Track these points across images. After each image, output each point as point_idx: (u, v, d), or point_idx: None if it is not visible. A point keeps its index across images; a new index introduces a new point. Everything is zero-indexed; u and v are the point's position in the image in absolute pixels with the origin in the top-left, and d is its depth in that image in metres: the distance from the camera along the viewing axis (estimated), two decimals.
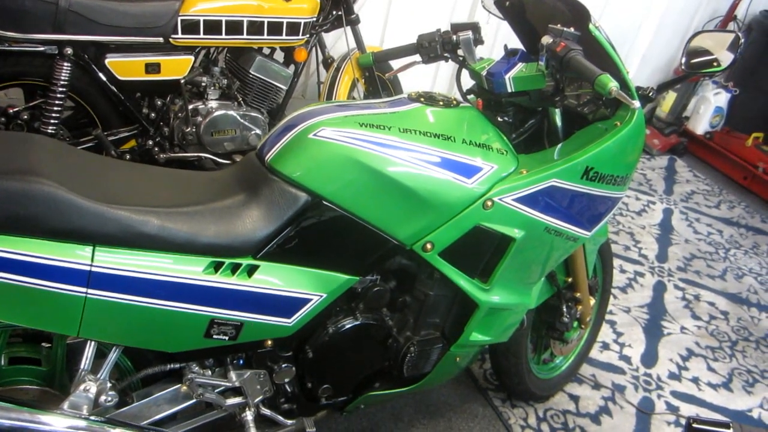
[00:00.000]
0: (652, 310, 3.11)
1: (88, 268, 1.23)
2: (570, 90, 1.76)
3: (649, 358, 2.76)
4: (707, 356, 2.86)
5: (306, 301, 1.47)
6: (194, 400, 1.52)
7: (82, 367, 1.36)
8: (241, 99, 2.95)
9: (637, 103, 1.56)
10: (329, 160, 1.44)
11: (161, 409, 1.51)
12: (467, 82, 1.87)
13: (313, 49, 3.25)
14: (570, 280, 2.10)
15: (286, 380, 1.59)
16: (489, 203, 1.56)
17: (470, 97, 1.91)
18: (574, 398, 2.44)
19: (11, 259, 1.17)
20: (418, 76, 4.08)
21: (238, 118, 2.88)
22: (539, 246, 1.70)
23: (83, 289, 1.24)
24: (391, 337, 1.68)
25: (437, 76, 4.26)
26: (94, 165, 1.40)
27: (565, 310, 2.07)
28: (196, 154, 2.85)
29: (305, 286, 1.46)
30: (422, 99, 1.65)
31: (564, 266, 2.09)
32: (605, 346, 2.77)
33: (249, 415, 1.56)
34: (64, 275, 1.22)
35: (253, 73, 2.91)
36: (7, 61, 2.47)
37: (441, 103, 1.65)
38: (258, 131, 2.94)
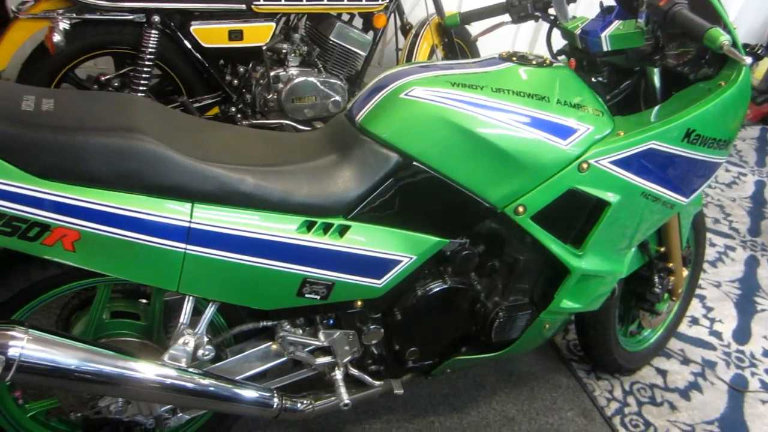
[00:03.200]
0: (744, 285, 2.97)
1: (187, 224, 1.26)
2: (670, 48, 1.67)
3: (742, 334, 2.64)
4: None
5: (396, 262, 1.46)
6: (285, 358, 1.55)
7: (181, 321, 1.39)
8: (321, 66, 2.95)
9: (748, 60, 1.47)
10: (421, 120, 1.41)
11: (253, 366, 1.55)
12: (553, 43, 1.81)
13: (392, 15, 3.21)
14: (663, 249, 2.01)
15: (374, 342, 1.60)
16: (584, 166, 1.51)
17: (561, 57, 1.85)
18: (662, 372, 2.36)
19: (116, 214, 1.20)
20: (495, 43, 3.98)
21: (318, 84, 2.89)
22: (635, 211, 1.63)
23: (183, 245, 1.27)
24: (479, 302, 1.66)
25: (516, 41, 4.15)
26: (189, 125, 1.42)
27: (657, 280, 1.99)
28: (277, 121, 2.89)
29: (395, 247, 1.45)
30: (514, 58, 1.60)
31: (656, 235, 2.01)
32: (694, 321, 2.66)
33: (338, 375, 1.57)
34: (165, 231, 1.25)
35: (332, 39, 2.91)
36: (99, 29, 2.55)
37: (534, 62, 1.59)
38: (337, 98, 2.95)
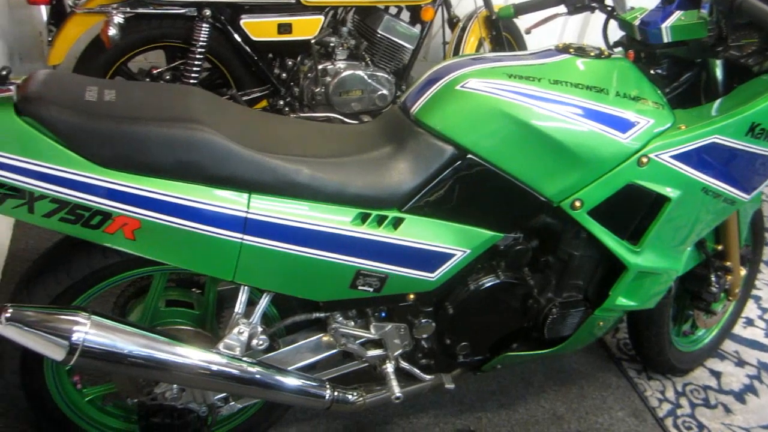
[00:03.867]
0: None
1: (244, 214, 1.27)
2: (734, 39, 1.62)
3: None
4: None
5: (449, 256, 1.45)
6: (336, 350, 1.55)
7: (236, 311, 1.41)
8: (368, 59, 2.95)
9: None
10: (477, 112, 1.40)
11: (304, 357, 1.55)
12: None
13: (440, 8, 3.19)
14: (720, 247, 1.96)
15: (425, 336, 1.59)
16: (644, 160, 1.47)
17: (617, 49, 1.81)
18: (716, 374, 2.30)
19: (175, 204, 1.22)
20: (543, 36, 3.93)
21: (366, 78, 2.89)
22: (695, 208, 1.59)
23: (239, 235, 1.27)
24: (532, 298, 1.64)
25: (564, 34, 4.09)
26: (245, 116, 1.43)
27: (714, 279, 1.94)
28: (324, 114, 2.90)
29: (449, 240, 1.44)
30: (571, 50, 1.57)
31: (713, 233, 1.95)
32: (749, 322, 2.59)
33: (390, 368, 1.57)
34: (222, 221, 1.26)
35: (380, 32, 2.91)
36: (152, 23, 2.59)
37: (592, 54, 1.56)
38: (384, 91, 2.94)
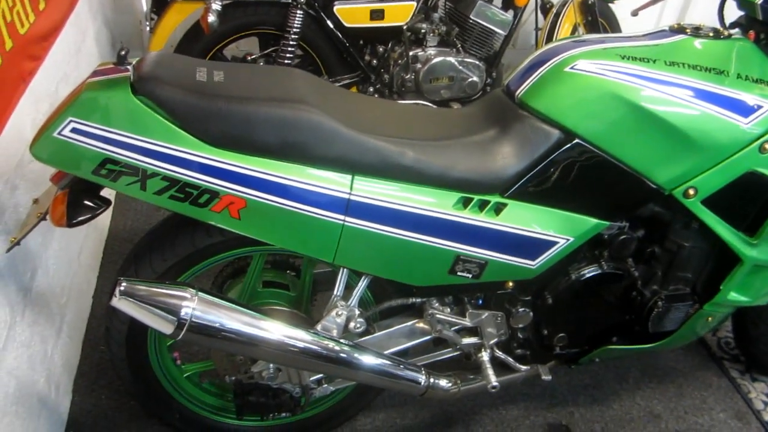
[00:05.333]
0: None
1: (347, 196, 1.26)
2: None
3: None
4: None
5: (552, 243, 1.40)
6: (429, 336, 1.53)
7: (334, 293, 1.41)
8: (459, 46, 2.90)
9: None
10: (587, 94, 1.34)
11: (398, 342, 1.54)
12: None
13: None
14: None
15: (522, 325, 1.55)
16: (767, 146, 1.38)
17: (734, 30, 1.70)
18: None
19: (281, 184, 1.22)
20: (638, 22, 3.77)
21: (456, 64, 2.85)
22: None
23: (342, 217, 1.27)
24: (635, 290, 1.57)
25: (661, 19, 3.91)
26: (348, 98, 1.42)
27: None
28: (413, 101, 2.87)
29: (552, 227, 1.39)
30: (687, 30, 1.48)
31: None
32: None
33: (485, 356, 1.54)
34: (325, 202, 1.25)
35: (473, 18, 2.85)
36: (248, 10, 2.64)
37: (710, 34, 1.47)
38: (474, 78, 2.89)
